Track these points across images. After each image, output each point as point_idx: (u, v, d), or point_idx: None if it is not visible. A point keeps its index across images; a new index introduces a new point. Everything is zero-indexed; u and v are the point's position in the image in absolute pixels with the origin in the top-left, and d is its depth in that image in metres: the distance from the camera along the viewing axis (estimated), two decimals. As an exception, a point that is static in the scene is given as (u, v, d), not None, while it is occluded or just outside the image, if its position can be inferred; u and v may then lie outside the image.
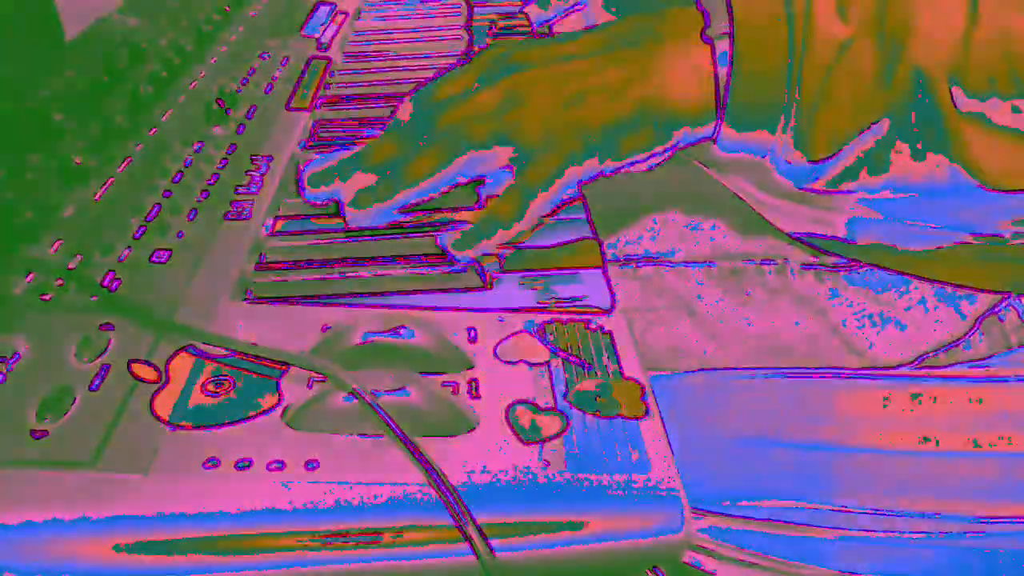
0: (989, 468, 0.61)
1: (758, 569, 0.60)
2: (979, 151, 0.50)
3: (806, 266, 0.70)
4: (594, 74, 0.54)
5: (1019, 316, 0.68)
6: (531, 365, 0.45)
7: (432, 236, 0.56)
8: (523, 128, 0.53)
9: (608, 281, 0.52)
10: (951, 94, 0.49)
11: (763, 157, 0.54)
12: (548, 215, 0.54)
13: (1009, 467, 0.61)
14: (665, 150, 0.54)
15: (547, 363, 0.45)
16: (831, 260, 0.70)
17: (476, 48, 0.88)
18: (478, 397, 0.43)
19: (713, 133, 0.54)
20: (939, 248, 0.57)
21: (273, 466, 0.39)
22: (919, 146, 0.51)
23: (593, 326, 0.48)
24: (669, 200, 0.74)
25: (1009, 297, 0.68)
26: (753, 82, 0.52)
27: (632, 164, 0.55)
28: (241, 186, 0.61)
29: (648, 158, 0.55)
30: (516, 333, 0.47)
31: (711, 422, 0.64)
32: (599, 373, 0.45)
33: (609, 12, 0.85)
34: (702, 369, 0.68)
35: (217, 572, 0.37)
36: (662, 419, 0.42)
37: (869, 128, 0.51)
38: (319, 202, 0.56)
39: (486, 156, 0.54)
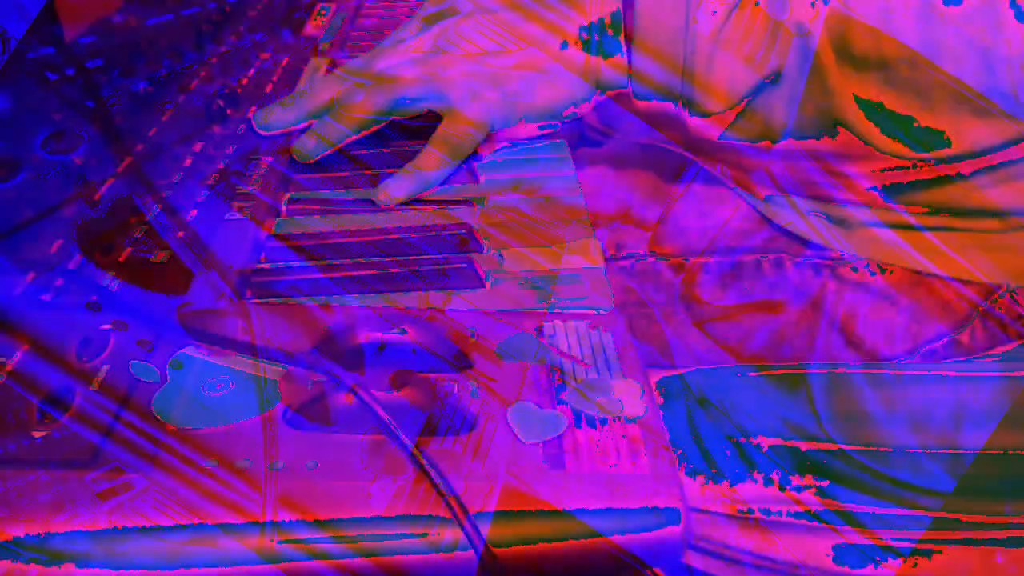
0: (989, 466, 0.61)
1: (758, 569, 0.60)
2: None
3: (804, 260, 0.70)
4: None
5: (1017, 309, 0.68)
6: (531, 365, 0.45)
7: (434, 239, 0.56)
8: None
9: (608, 280, 0.52)
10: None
11: (676, 108, 0.63)
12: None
13: (1010, 465, 0.61)
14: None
15: (547, 362, 0.45)
16: (829, 253, 0.70)
17: None
18: (478, 397, 0.43)
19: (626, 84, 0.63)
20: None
21: (272, 467, 0.39)
22: (807, 104, 0.59)
23: (593, 325, 0.48)
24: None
25: (1007, 290, 0.68)
26: (652, 36, 0.61)
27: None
28: (241, 186, 0.61)
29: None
30: (516, 333, 0.47)
31: (711, 421, 0.64)
32: (599, 373, 0.45)
33: None
34: (702, 367, 0.68)
35: (217, 571, 0.37)
36: (662, 419, 0.42)
37: (761, 82, 0.59)
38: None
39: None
